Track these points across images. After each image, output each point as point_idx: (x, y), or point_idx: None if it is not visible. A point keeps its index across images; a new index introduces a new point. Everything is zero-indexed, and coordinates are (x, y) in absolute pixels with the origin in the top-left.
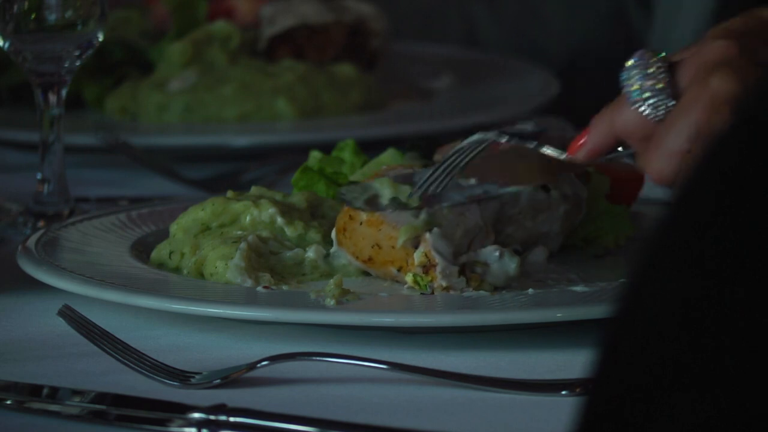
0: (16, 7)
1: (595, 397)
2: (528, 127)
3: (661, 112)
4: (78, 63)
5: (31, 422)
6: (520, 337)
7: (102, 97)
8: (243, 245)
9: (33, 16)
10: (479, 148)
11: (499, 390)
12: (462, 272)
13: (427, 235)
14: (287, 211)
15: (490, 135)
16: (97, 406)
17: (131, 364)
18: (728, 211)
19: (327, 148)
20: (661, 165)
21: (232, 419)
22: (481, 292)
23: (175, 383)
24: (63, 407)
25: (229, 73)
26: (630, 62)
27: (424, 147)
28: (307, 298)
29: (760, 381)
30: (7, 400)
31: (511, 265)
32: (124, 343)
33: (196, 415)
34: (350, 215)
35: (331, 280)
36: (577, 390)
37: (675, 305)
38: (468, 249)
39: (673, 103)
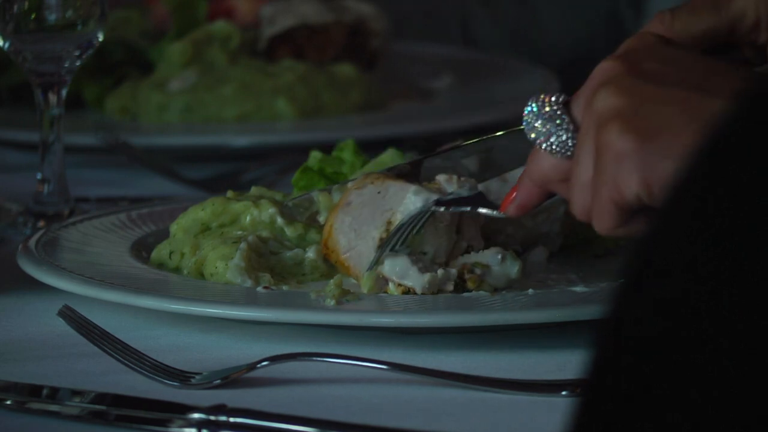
0: (16, 7)
1: (590, 398)
2: (464, 192)
3: (569, 149)
4: (78, 63)
5: (31, 422)
6: (520, 337)
7: (102, 97)
8: (243, 245)
9: (33, 16)
10: (421, 221)
11: (499, 390)
12: (459, 275)
13: (385, 271)
14: (287, 211)
15: (429, 206)
16: (97, 406)
17: (131, 364)
18: (722, 213)
19: (327, 148)
20: (577, 199)
21: (232, 419)
22: (481, 292)
23: (175, 383)
24: (63, 407)
25: (229, 73)
26: (526, 108)
27: (424, 147)
28: (307, 298)
29: (760, 381)
30: (7, 400)
31: (513, 268)
32: (124, 343)
33: (196, 415)
34: (325, 252)
35: (331, 280)
36: (577, 390)
37: (674, 304)
38: (457, 244)
39: (574, 135)
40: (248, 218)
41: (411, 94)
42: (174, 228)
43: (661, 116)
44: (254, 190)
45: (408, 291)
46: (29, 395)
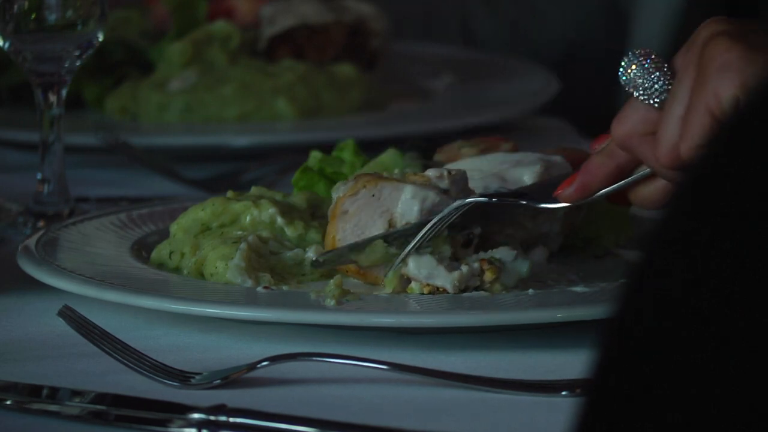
0: (16, 7)
1: (594, 398)
2: (504, 190)
3: (663, 94)
4: (78, 63)
5: (32, 423)
6: (520, 337)
7: (102, 97)
8: (243, 245)
9: (33, 16)
10: (460, 212)
11: (499, 390)
12: (480, 270)
13: (411, 272)
14: (287, 211)
15: (471, 199)
16: (97, 407)
17: (131, 364)
18: (722, 213)
19: (327, 148)
20: (667, 134)
21: (232, 419)
22: (481, 292)
23: (175, 383)
24: (63, 407)
25: (229, 73)
26: (624, 59)
27: (424, 147)
28: (307, 298)
29: (760, 381)
30: (7, 400)
31: (524, 267)
32: (124, 343)
33: (196, 415)
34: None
35: (331, 280)
36: (577, 390)
37: (674, 304)
38: (469, 238)
39: (671, 80)
40: (248, 218)
41: (411, 94)
42: (174, 228)
43: (764, 38)
44: (254, 190)
45: (436, 290)
46: (29, 395)
